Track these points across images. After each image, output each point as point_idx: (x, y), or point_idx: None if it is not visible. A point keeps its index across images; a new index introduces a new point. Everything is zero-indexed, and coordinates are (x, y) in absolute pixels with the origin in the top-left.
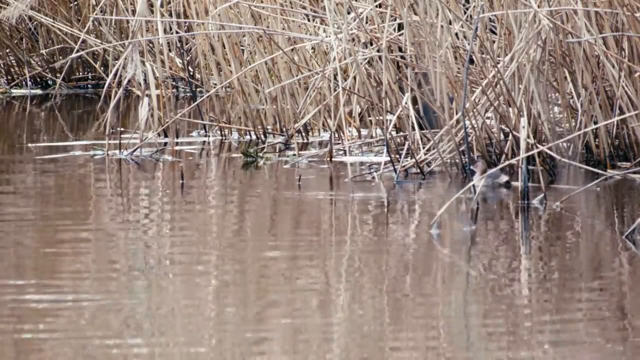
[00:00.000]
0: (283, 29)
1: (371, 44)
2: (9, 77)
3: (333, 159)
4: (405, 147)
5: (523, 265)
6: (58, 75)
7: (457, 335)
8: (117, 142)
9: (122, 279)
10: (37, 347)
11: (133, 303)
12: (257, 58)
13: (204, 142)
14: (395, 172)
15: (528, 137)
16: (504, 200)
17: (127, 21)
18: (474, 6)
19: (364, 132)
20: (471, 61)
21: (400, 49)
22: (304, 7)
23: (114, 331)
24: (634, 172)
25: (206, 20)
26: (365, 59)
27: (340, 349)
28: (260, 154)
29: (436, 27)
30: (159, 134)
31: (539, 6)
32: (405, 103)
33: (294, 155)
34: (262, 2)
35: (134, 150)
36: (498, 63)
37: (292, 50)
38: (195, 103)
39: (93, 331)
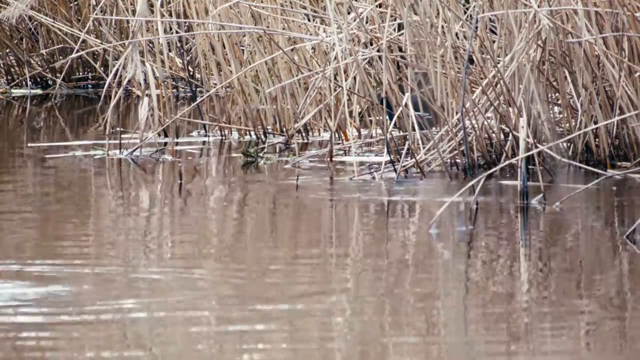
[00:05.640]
0: (283, 29)
1: (371, 44)
2: (9, 77)
3: (333, 159)
4: (405, 147)
5: (522, 265)
6: (58, 75)
7: (456, 334)
8: (117, 142)
9: (122, 278)
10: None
11: (132, 300)
12: (257, 58)
13: (204, 142)
14: (396, 172)
15: (527, 137)
16: (503, 200)
17: (127, 21)
18: (474, 6)
19: (364, 132)
20: (471, 61)
21: (400, 49)
22: (304, 7)
23: (112, 333)
24: (634, 172)
25: (206, 20)
26: (366, 59)
27: (340, 348)
28: (260, 154)
29: (436, 27)
30: (159, 134)
31: (539, 6)
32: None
33: (294, 155)
34: (262, 2)
35: (134, 150)
36: (498, 63)
37: (292, 50)
38: (195, 103)
39: (93, 340)
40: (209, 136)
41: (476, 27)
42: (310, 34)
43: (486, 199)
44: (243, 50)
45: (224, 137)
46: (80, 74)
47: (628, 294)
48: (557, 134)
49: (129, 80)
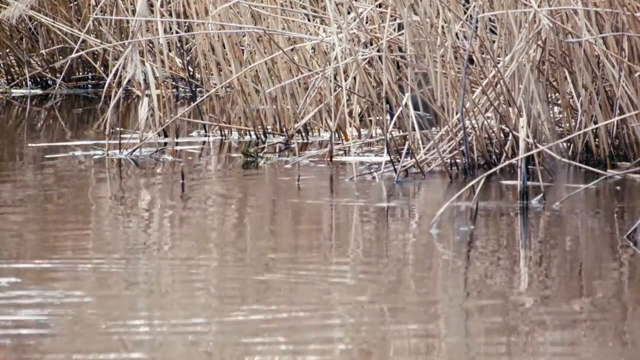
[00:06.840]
0: (283, 29)
1: (371, 44)
2: (9, 77)
3: (333, 159)
4: (405, 147)
5: (522, 265)
6: (58, 75)
7: (456, 334)
8: (117, 142)
9: (121, 278)
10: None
11: (131, 296)
12: (257, 58)
13: (204, 142)
14: (396, 172)
15: (527, 137)
16: (503, 200)
17: (127, 21)
18: (474, 6)
19: (364, 132)
20: (471, 61)
21: (400, 49)
22: (304, 7)
23: (112, 332)
24: (634, 172)
25: (206, 20)
26: (366, 59)
27: (340, 348)
28: (260, 154)
29: (436, 27)
30: (159, 134)
31: (539, 6)
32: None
33: (294, 155)
34: (262, 2)
35: (134, 150)
36: (498, 63)
37: (292, 50)
38: (195, 103)
39: (93, 339)
40: (209, 136)
41: (476, 27)
42: (310, 34)
43: (486, 199)
44: (243, 50)
45: (224, 137)
46: (80, 74)
47: (628, 294)
48: (557, 134)
49: (129, 80)
